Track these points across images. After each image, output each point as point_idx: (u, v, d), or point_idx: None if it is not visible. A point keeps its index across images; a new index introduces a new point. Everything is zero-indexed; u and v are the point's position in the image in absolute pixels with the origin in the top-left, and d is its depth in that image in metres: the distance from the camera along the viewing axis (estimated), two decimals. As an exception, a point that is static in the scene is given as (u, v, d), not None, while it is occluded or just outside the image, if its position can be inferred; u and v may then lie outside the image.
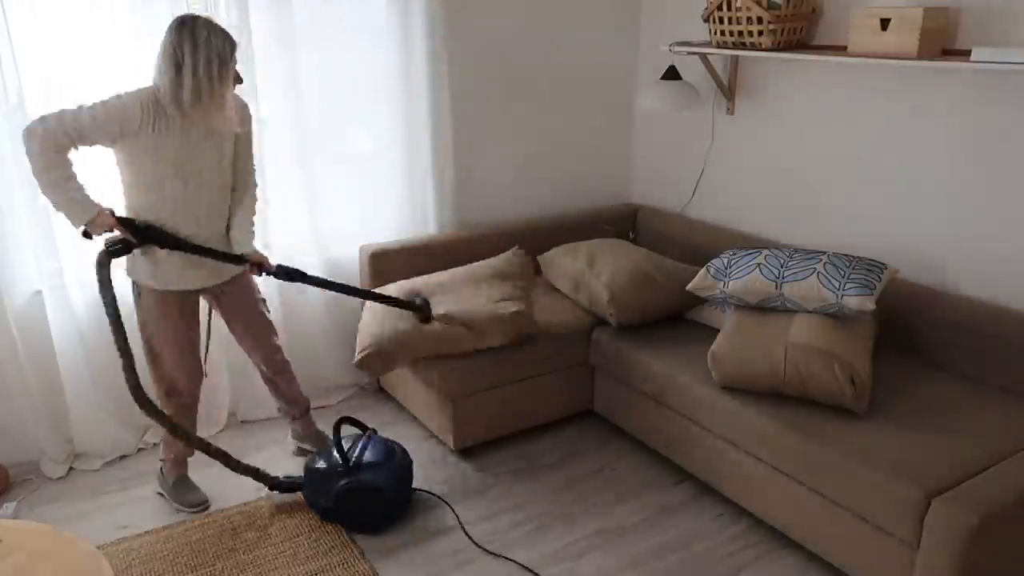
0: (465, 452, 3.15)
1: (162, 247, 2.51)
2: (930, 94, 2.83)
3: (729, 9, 3.04)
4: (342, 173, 3.43)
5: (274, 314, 3.32)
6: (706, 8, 3.14)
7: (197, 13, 2.37)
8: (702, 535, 2.69)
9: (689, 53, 3.36)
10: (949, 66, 2.56)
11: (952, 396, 2.59)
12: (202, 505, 2.81)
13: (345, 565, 2.52)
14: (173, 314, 2.63)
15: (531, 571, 2.51)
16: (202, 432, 3.28)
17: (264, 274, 2.74)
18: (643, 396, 3.01)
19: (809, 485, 2.40)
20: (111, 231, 2.47)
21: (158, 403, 2.65)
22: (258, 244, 3.25)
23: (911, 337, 2.90)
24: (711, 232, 3.64)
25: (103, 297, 2.47)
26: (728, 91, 3.55)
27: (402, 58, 3.36)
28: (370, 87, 3.38)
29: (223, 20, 2.96)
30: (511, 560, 2.56)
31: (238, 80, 2.47)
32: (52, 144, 2.30)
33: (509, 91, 3.73)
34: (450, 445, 3.09)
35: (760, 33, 2.97)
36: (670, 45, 3.39)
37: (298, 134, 3.24)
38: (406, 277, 3.33)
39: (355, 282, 3.57)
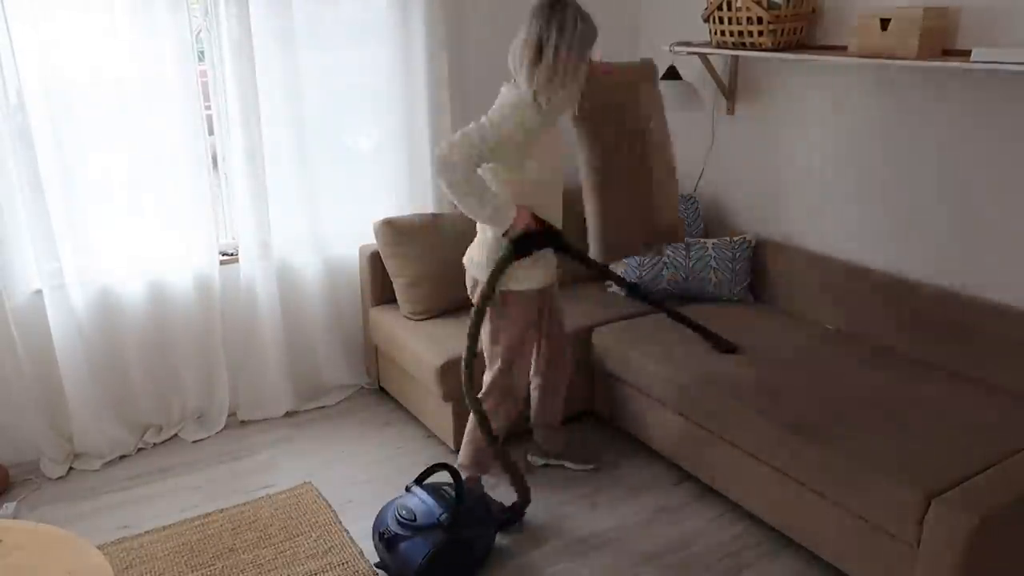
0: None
1: (561, 250, 2.48)
2: (930, 94, 2.83)
3: (729, 9, 3.04)
4: (342, 173, 3.43)
5: (274, 314, 3.34)
6: (706, 8, 3.14)
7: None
8: (702, 535, 2.69)
9: (689, 53, 3.36)
10: (949, 66, 2.56)
11: (952, 396, 2.59)
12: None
13: (345, 565, 2.52)
14: (534, 315, 2.60)
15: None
16: (201, 433, 3.29)
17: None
18: (643, 396, 3.01)
19: (809, 485, 2.40)
20: (528, 229, 2.41)
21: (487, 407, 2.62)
22: (257, 243, 3.27)
23: (910, 336, 2.90)
24: (711, 232, 3.64)
25: (487, 291, 2.42)
26: (728, 91, 3.55)
27: (402, 58, 3.36)
28: (370, 87, 3.38)
29: (223, 19, 2.98)
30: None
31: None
32: (471, 168, 2.29)
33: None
34: (450, 445, 3.08)
35: (760, 33, 2.97)
36: (670, 45, 3.39)
37: (298, 134, 3.24)
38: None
39: (355, 282, 3.58)
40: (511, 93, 2.37)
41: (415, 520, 2.40)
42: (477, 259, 2.57)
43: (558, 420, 2.99)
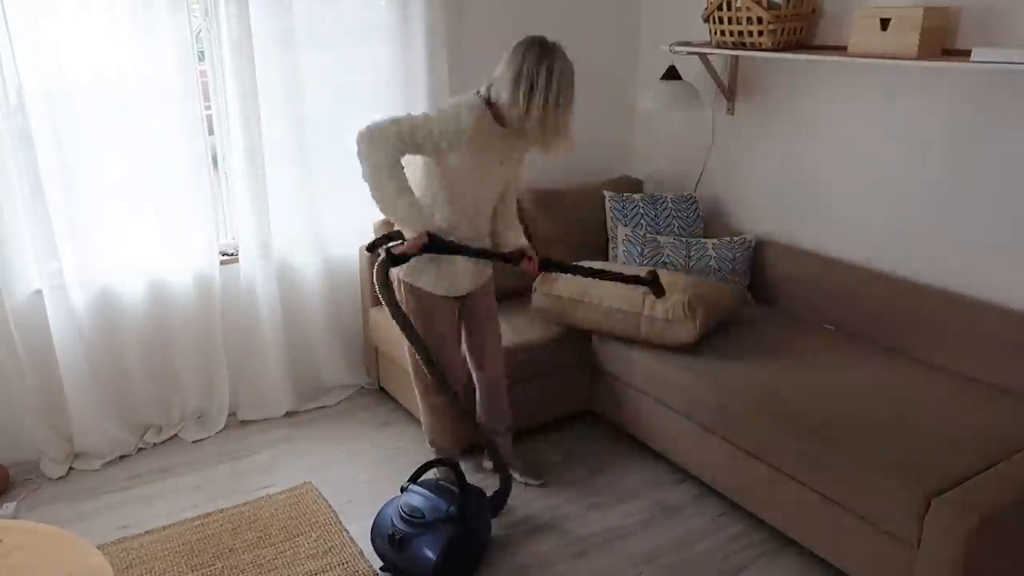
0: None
1: (445, 253, 2.50)
2: (930, 94, 2.83)
3: (729, 9, 3.04)
4: (342, 173, 3.42)
5: (274, 314, 3.34)
6: (706, 8, 3.14)
7: (545, 38, 2.35)
8: (702, 535, 2.69)
9: (689, 53, 3.36)
10: (949, 66, 2.56)
11: (952, 396, 2.59)
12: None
13: (345, 565, 2.52)
14: (434, 317, 2.62)
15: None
16: (201, 433, 3.29)
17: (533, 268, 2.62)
18: (643, 396, 3.01)
19: (809, 485, 2.40)
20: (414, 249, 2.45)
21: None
22: (257, 243, 3.27)
23: (911, 336, 2.90)
24: (711, 231, 3.64)
25: (385, 297, 2.44)
26: (728, 91, 3.55)
27: (402, 58, 3.36)
28: (370, 87, 3.38)
29: (223, 19, 2.98)
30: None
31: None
32: (386, 148, 2.30)
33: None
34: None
35: (760, 33, 2.97)
36: (670, 45, 3.39)
37: (298, 134, 3.24)
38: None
39: (355, 282, 3.58)
40: (472, 100, 2.40)
41: (423, 517, 2.40)
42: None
43: (504, 425, 2.93)
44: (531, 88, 2.28)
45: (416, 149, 2.35)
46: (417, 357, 2.62)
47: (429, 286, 2.57)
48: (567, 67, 2.33)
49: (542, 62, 2.29)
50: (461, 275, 2.60)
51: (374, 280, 2.47)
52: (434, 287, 2.58)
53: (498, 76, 2.36)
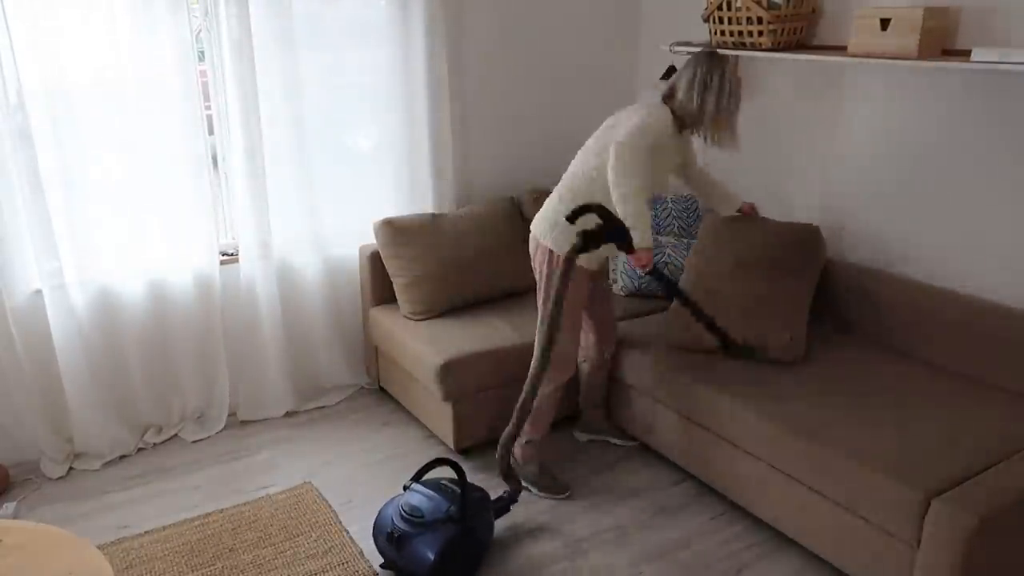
0: (465, 452, 3.15)
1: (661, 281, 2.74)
2: (930, 94, 2.83)
3: (729, 9, 3.04)
4: (342, 173, 3.43)
5: (274, 314, 3.34)
6: (706, 8, 3.14)
7: (717, 50, 2.67)
8: (702, 535, 2.69)
9: (689, 53, 3.35)
10: (949, 66, 2.56)
11: (952, 396, 2.59)
12: (569, 491, 2.90)
13: (345, 565, 2.52)
14: (587, 292, 2.81)
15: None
16: (201, 433, 3.29)
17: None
18: (643, 396, 3.01)
19: (809, 485, 2.40)
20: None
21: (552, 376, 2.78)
22: (257, 243, 3.27)
23: (911, 336, 2.89)
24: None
25: (559, 284, 2.54)
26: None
27: (402, 58, 3.36)
28: (370, 87, 3.38)
29: (223, 19, 2.98)
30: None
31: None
32: (643, 171, 2.53)
33: (509, 92, 3.73)
34: (450, 445, 3.08)
35: (760, 33, 2.97)
36: (670, 45, 3.39)
37: (298, 133, 3.24)
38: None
39: (355, 282, 3.58)
40: (664, 109, 2.64)
41: (423, 516, 2.41)
42: (542, 224, 2.76)
43: (602, 397, 3.17)
44: (704, 89, 2.56)
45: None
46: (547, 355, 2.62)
47: (584, 261, 2.68)
48: (734, 76, 2.62)
49: (714, 68, 2.57)
50: (602, 253, 2.73)
51: (558, 254, 2.65)
52: (588, 263, 2.71)
53: (676, 81, 2.64)
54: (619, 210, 2.53)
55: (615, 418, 3.21)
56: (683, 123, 2.65)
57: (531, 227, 2.81)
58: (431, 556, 2.34)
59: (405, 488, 2.54)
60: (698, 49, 3.27)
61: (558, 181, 3.96)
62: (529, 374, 2.61)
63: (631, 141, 2.51)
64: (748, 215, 3.03)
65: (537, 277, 2.80)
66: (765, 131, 3.46)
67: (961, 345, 2.74)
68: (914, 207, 2.95)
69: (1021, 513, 2.09)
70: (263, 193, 3.21)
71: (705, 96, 2.57)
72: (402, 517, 2.43)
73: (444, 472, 2.88)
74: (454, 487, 2.49)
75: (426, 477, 2.56)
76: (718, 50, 2.66)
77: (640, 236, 2.53)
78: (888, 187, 3.02)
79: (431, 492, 2.47)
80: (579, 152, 2.80)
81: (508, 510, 2.73)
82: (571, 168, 2.78)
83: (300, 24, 3.15)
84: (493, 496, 2.71)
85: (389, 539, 2.42)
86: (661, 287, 2.85)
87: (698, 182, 2.98)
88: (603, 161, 2.60)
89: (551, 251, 2.70)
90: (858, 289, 3.06)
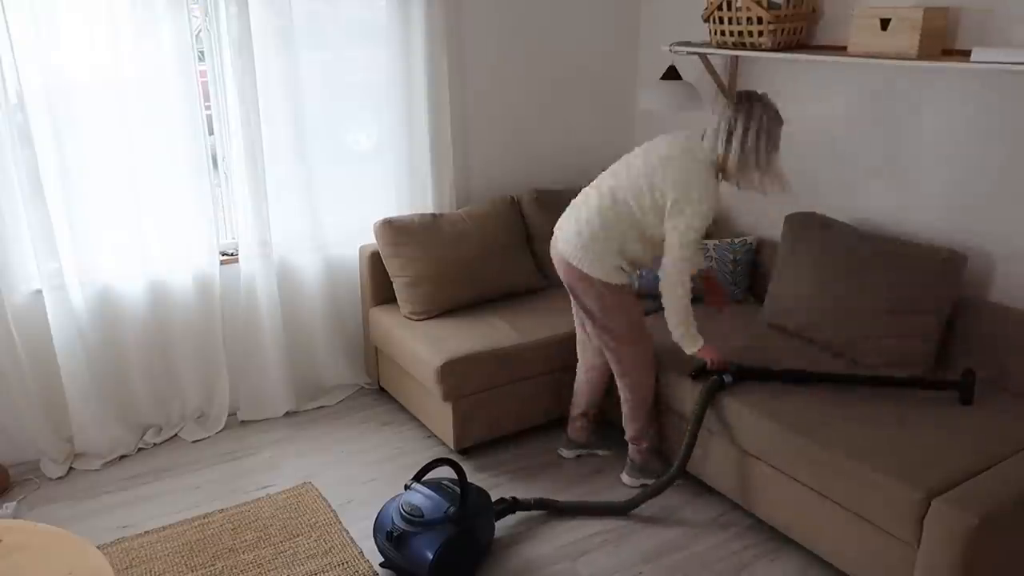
0: (465, 452, 3.15)
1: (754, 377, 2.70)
2: (930, 94, 2.83)
3: (729, 9, 3.04)
4: (342, 173, 3.43)
5: (274, 314, 3.34)
6: (706, 8, 3.14)
7: (757, 92, 2.57)
8: (702, 535, 2.69)
9: (689, 53, 3.36)
10: (949, 66, 2.56)
11: (952, 396, 2.59)
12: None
13: (345, 565, 2.52)
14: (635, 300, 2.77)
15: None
16: (201, 433, 3.29)
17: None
18: (643, 396, 3.01)
19: (809, 485, 2.40)
20: (714, 365, 2.69)
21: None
22: (257, 243, 3.27)
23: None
24: (710, 232, 3.64)
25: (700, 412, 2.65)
26: (728, 91, 3.54)
27: (402, 58, 3.36)
28: (370, 86, 3.38)
29: (223, 19, 2.98)
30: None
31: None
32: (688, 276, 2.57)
33: (509, 91, 3.73)
34: (450, 445, 3.08)
35: (760, 33, 2.97)
36: (670, 45, 3.39)
37: (298, 133, 3.24)
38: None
39: (355, 282, 3.57)
40: (709, 158, 2.57)
41: (423, 516, 2.41)
42: (575, 247, 2.66)
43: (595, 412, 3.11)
44: (740, 147, 2.51)
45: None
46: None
47: (619, 279, 2.65)
48: (767, 117, 2.50)
49: (740, 116, 2.51)
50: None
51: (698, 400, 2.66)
52: (620, 277, 2.66)
53: (716, 131, 2.58)
54: (670, 305, 2.58)
55: (616, 419, 3.21)
56: (722, 175, 2.61)
57: (560, 246, 2.71)
58: (430, 555, 2.34)
59: (406, 487, 2.54)
60: (699, 49, 3.28)
61: (558, 181, 3.99)
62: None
63: (696, 228, 2.51)
64: (710, 281, 2.95)
65: (586, 302, 2.72)
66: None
67: (961, 345, 2.74)
68: (913, 207, 2.95)
69: (1021, 513, 2.09)
70: (263, 193, 3.21)
71: (735, 151, 2.52)
72: (402, 516, 2.43)
73: (446, 472, 2.89)
74: (454, 487, 2.49)
75: (428, 477, 2.57)
76: (752, 93, 2.56)
77: (692, 340, 2.63)
78: (888, 186, 3.02)
79: (431, 492, 2.47)
80: (620, 165, 2.69)
81: (513, 512, 2.72)
82: (604, 183, 2.67)
83: (300, 24, 3.15)
84: (495, 497, 2.71)
85: (389, 538, 2.42)
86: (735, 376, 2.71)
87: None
88: (648, 204, 2.56)
89: (602, 281, 2.63)
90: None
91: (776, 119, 2.54)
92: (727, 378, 2.65)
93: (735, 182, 2.58)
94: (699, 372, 2.72)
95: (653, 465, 2.92)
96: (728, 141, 2.52)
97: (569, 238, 2.67)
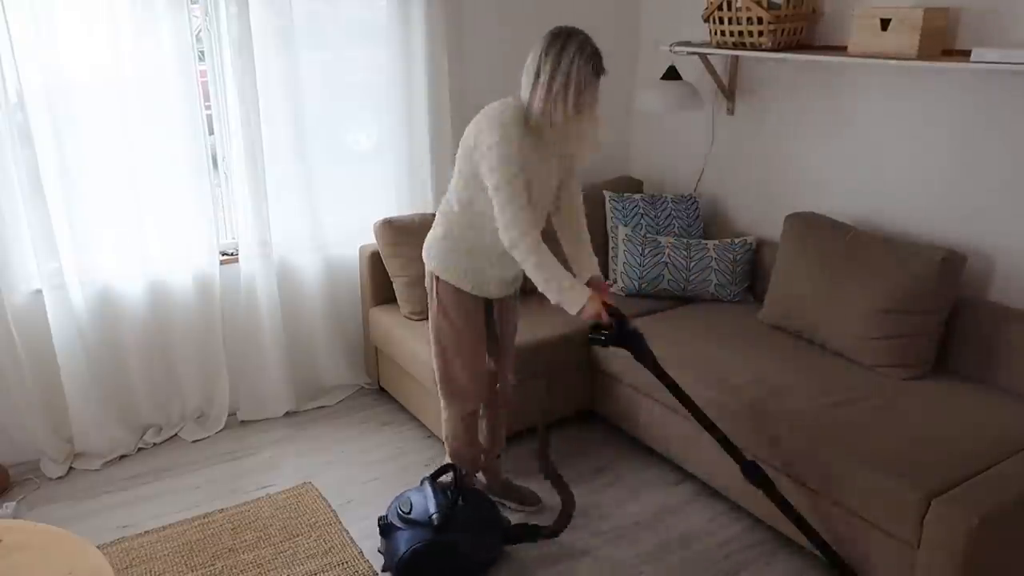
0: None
1: (638, 355, 2.38)
2: (930, 94, 2.83)
3: (729, 9, 3.04)
4: (342, 173, 3.43)
5: (274, 314, 3.34)
6: (706, 8, 3.14)
7: (573, 28, 2.26)
8: (702, 535, 2.69)
9: (689, 53, 3.36)
10: (949, 66, 2.56)
11: (952, 396, 2.59)
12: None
13: (345, 565, 2.52)
14: (458, 313, 2.48)
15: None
16: (201, 433, 3.29)
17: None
18: (643, 396, 3.01)
19: (809, 485, 2.40)
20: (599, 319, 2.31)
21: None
22: (257, 243, 3.27)
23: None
24: (710, 232, 3.64)
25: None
26: (728, 91, 3.55)
27: (402, 58, 3.36)
28: (370, 87, 3.38)
29: (223, 19, 2.98)
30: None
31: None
32: (535, 235, 2.23)
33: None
34: (450, 445, 3.08)
35: (760, 33, 2.97)
36: (670, 45, 3.39)
37: (298, 133, 3.24)
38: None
39: (355, 282, 3.57)
40: (513, 106, 2.29)
41: (410, 513, 2.42)
42: (435, 252, 2.47)
43: (501, 448, 2.85)
44: (548, 89, 2.19)
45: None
46: (446, 376, 2.55)
47: (455, 280, 2.44)
48: (579, 63, 2.20)
49: (558, 56, 2.20)
50: (488, 280, 2.47)
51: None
52: (459, 282, 2.45)
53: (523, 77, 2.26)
54: (530, 276, 2.26)
55: (616, 419, 3.21)
56: (539, 125, 2.25)
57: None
58: (400, 552, 2.36)
59: (421, 482, 2.55)
60: (699, 49, 3.28)
61: (558, 181, 3.98)
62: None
63: (507, 179, 2.18)
64: (602, 291, 2.48)
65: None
66: (765, 131, 3.46)
67: (961, 344, 2.74)
68: (913, 207, 2.95)
69: (1021, 513, 2.09)
70: (263, 193, 3.21)
71: (548, 96, 2.19)
72: (398, 507, 2.46)
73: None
74: (457, 497, 2.47)
75: (449, 480, 2.54)
76: (563, 29, 2.27)
77: (566, 295, 2.25)
78: (888, 187, 3.02)
79: (433, 494, 2.47)
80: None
81: (533, 540, 2.58)
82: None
83: (300, 24, 3.15)
84: (525, 519, 2.68)
85: (379, 522, 2.46)
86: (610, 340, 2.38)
87: (568, 222, 2.54)
88: (468, 197, 2.33)
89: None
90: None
91: (589, 67, 2.22)
92: (604, 337, 2.35)
93: (547, 133, 2.27)
94: (594, 331, 2.38)
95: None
96: (532, 86, 2.22)
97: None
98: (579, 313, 2.29)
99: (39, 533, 1.97)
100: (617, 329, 2.35)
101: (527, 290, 3.31)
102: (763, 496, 2.57)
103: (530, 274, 2.28)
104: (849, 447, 2.31)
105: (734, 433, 2.60)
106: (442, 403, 2.66)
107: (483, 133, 2.25)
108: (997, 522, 2.02)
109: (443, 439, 2.74)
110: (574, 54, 2.21)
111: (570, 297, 2.28)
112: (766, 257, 3.40)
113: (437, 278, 2.48)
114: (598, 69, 2.26)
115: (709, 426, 2.39)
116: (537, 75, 2.22)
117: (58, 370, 2.99)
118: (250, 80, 3.05)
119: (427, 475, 2.55)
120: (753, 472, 2.35)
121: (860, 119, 3.08)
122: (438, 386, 2.63)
